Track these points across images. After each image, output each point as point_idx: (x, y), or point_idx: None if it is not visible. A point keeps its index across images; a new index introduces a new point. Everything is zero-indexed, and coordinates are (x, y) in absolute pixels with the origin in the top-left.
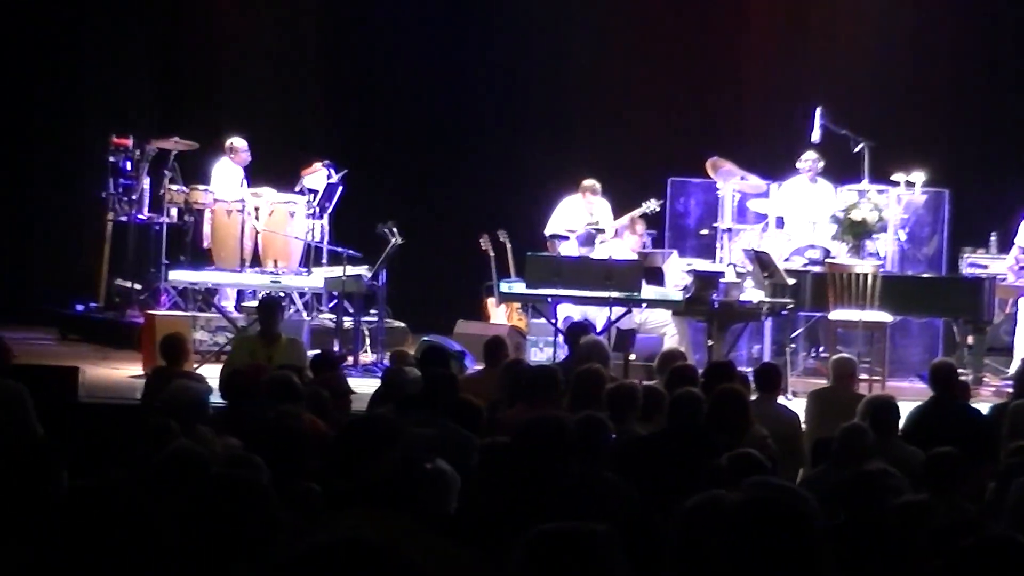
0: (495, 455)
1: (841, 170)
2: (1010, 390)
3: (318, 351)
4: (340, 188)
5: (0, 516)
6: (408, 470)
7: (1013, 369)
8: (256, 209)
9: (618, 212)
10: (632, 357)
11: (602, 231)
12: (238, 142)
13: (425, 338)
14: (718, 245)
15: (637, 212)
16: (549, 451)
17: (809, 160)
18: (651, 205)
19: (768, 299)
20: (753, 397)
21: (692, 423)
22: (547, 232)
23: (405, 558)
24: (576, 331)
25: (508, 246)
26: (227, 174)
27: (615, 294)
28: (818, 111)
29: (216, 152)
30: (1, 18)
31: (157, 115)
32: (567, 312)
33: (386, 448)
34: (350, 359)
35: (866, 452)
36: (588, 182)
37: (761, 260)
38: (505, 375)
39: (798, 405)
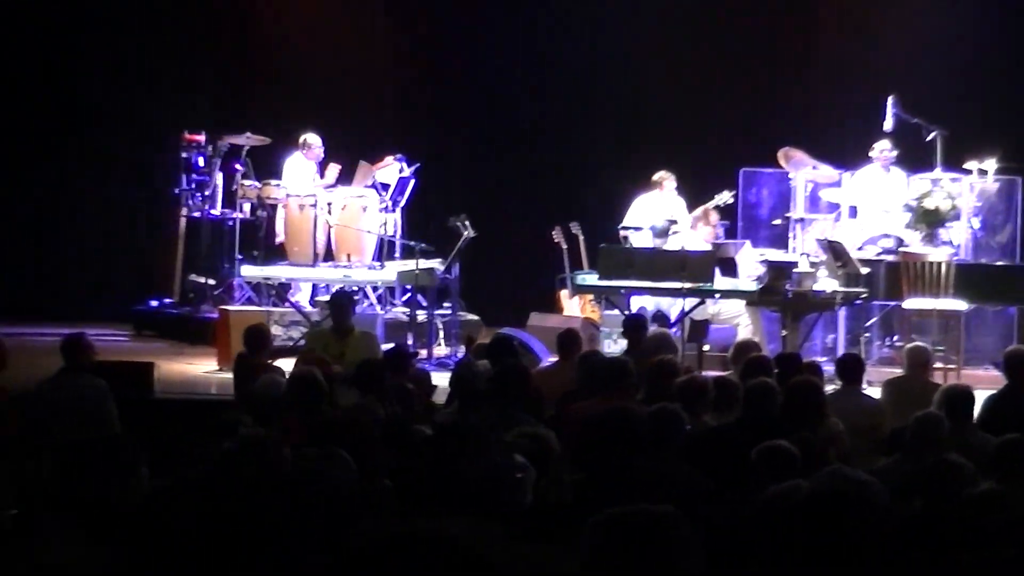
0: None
1: (914, 159)
2: None
3: (392, 345)
4: (412, 182)
5: (83, 513)
6: (497, 474)
7: None
8: (329, 204)
9: (691, 204)
10: (706, 348)
11: (675, 222)
12: (312, 138)
13: (499, 331)
14: (791, 235)
15: (711, 204)
16: (620, 443)
17: (882, 149)
18: (724, 197)
19: (842, 289)
20: (834, 387)
21: (766, 414)
22: (622, 226)
23: (479, 552)
24: (634, 324)
25: (581, 238)
26: (300, 169)
27: (688, 285)
28: (891, 99)
29: (289, 147)
30: (77, 17)
31: (229, 111)
32: (640, 304)
33: (478, 452)
34: (423, 352)
35: (941, 441)
36: (661, 174)
37: (834, 249)
38: (579, 367)
39: (872, 395)
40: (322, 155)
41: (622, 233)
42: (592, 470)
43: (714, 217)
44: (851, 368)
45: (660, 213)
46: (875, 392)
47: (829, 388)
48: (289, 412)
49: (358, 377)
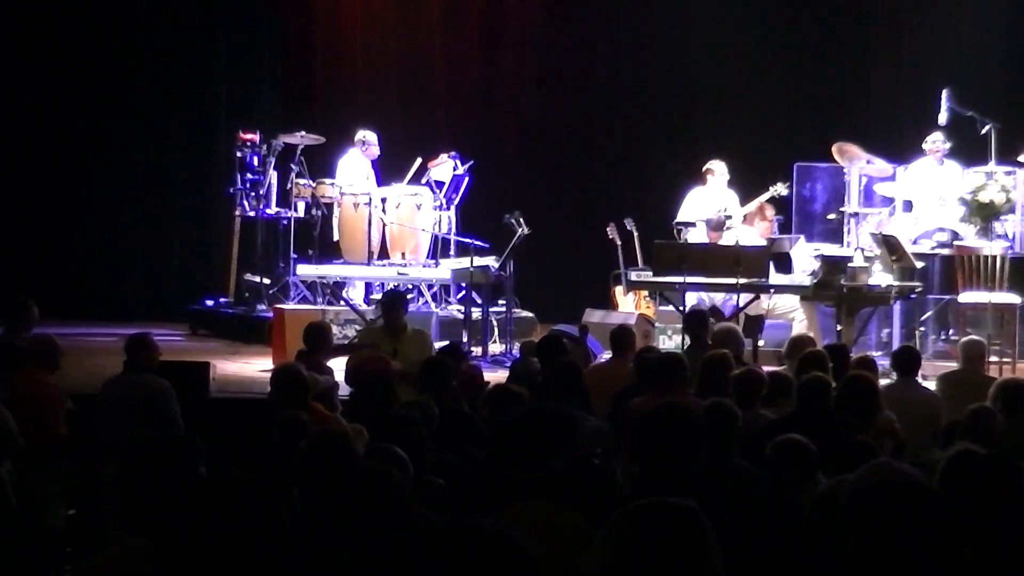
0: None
1: (968, 152)
2: None
3: (447, 342)
4: (466, 179)
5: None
6: (582, 464)
7: None
8: (383, 202)
9: (744, 199)
10: (761, 343)
11: (730, 216)
12: (369, 135)
13: (554, 327)
14: (845, 229)
15: (764, 196)
16: (676, 438)
17: (936, 142)
18: (779, 189)
19: (896, 283)
20: (890, 380)
21: (821, 407)
22: (676, 222)
23: (521, 547)
24: (694, 319)
25: (635, 234)
26: (355, 166)
27: (743, 280)
28: (945, 93)
29: (343, 146)
30: (134, 18)
31: (283, 110)
32: (695, 299)
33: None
34: (477, 350)
35: (994, 434)
36: (709, 164)
37: (889, 244)
38: (635, 363)
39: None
40: (377, 153)
41: (676, 228)
42: (648, 464)
43: (770, 212)
44: (907, 360)
45: (713, 206)
46: (930, 387)
47: (884, 381)
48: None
49: (421, 375)
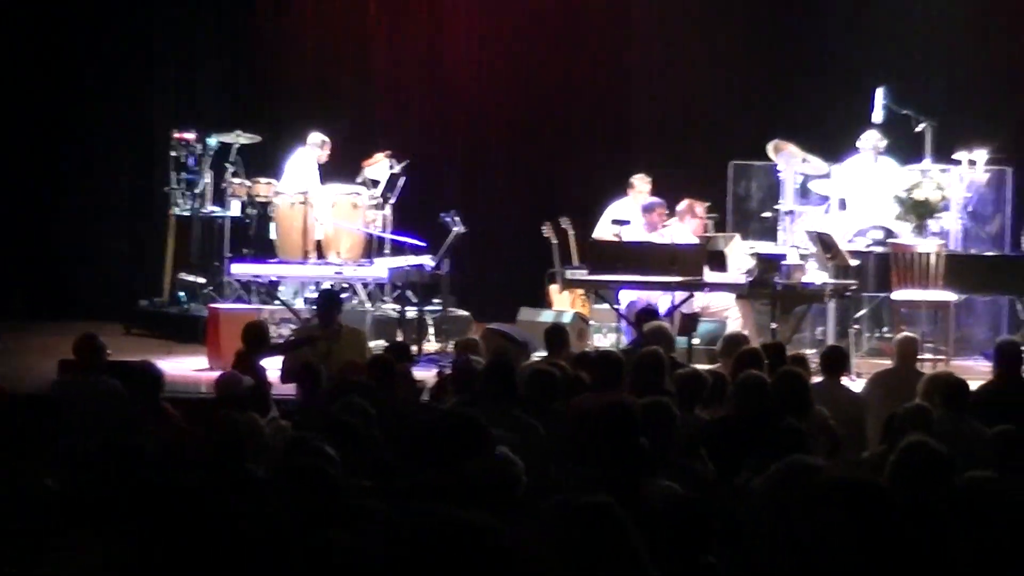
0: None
1: (904, 150)
2: None
3: (396, 341)
4: (402, 178)
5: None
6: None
7: None
8: (318, 202)
9: (676, 198)
10: (696, 341)
11: (668, 218)
12: (327, 139)
13: (489, 326)
14: (780, 227)
15: (685, 203)
16: (618, 435)
17: (871, 139)
18: (698, 208)
19: (831, 280)
20: (818, 379)
21: (758, 406)
22: (595, 236)
23: (504, 541)
24: (644, 317)
25: (571, 233)
26: (306, 166)
27: (678, 279)
28: (880, 91)
29: (289, 145)
30: (72, 14)
31: (219, 109)
32: (630, 298)
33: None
34: (412, 349)
35: (932, 431)
36: (633, 178)
37: (824, 241)
38: (573, 362)
39: (862, 386)
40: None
41: (612, 229)
42: (589, 463)
43: (700, 209)
44: (835, 360)
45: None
46: (862, 384)
47: (813, 380)
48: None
49: (370, 373)
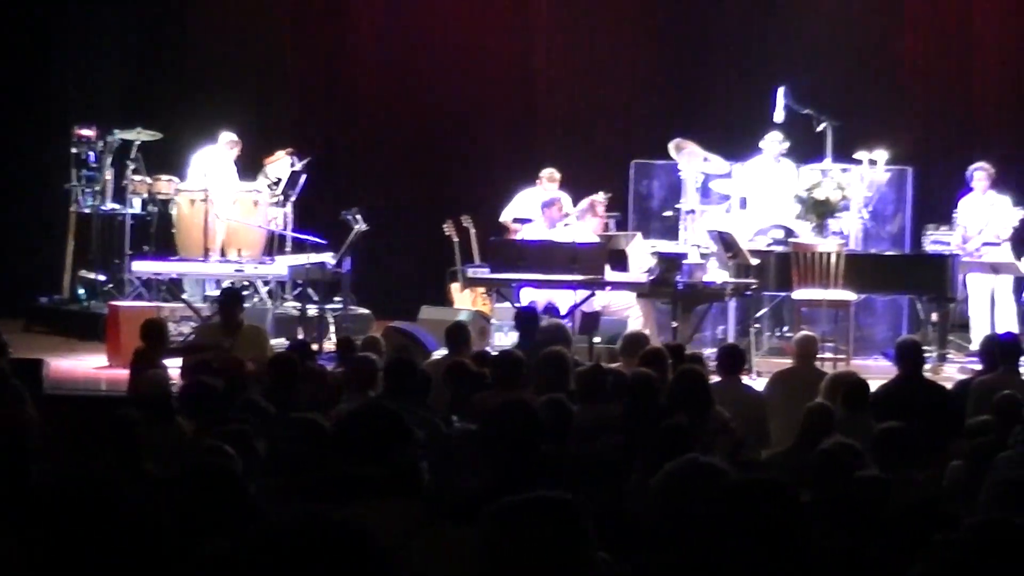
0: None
1: (805, 149)
2: (974, 366)
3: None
4: (304, 176)
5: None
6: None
7: (976, 345)
8: (219, 199)
9: (579, 198)
10: (597, 340)
11: (567, 214)
12: (237, 138)
13: (390, 324)
14: (682, 226)
15: (585, 202)
16: (520, 433)
17: (772, 140)
18: (598, 197)
19: (732, 280)
20: (717, 379)
21: (650, 403)
22: (503, 219)
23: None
24: (525, 317)
25: (472, 231)
26: (223, 165)
27: (579, 277)
28: (780, 91)
29: (192, 142)
30: None
31: (120, 106)
32: (531, 296)
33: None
34: (313, 346)
35: (832, 430)
36: (546, 171)
37: (725, 241)
38: (475, 360)
39: (763, 385)
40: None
41: (509, 223)
42: (492, 460)
43: (600, 208)
44: (732, 359)
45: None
46: (765, 383)
47: (712, 379)
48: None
49: (271, 371)
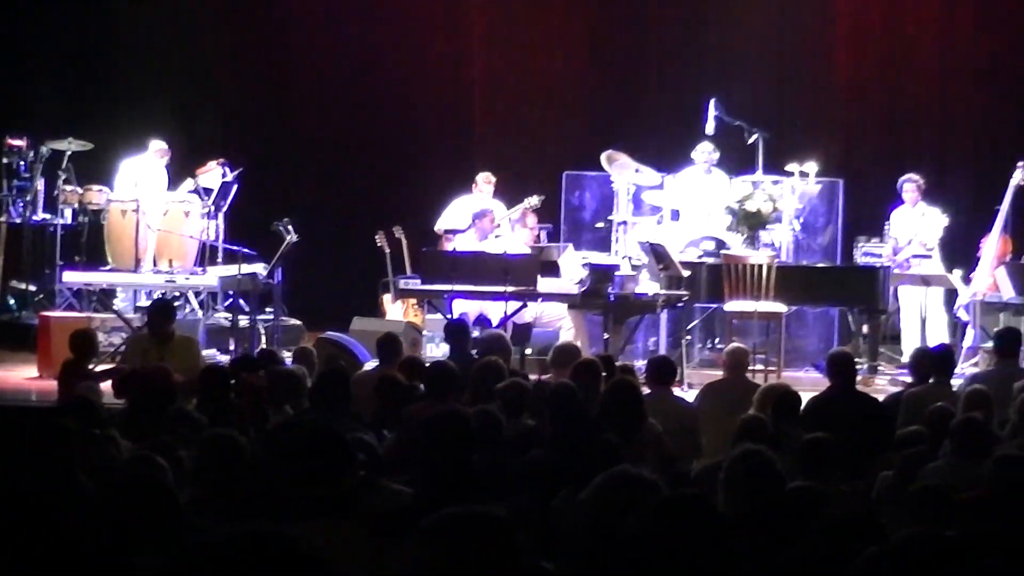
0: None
1: (736, 161)
2: (905, 378)
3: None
4: (235, 186)
5: None
6: (358, 479)
7: (907, 357)
8: (150, 209)
9: (510, 207)
10: (528, 351)
11: (498, 225)
12: (166, 146)
13: (321, 335)
14: (613, 238)
15: (523, 205)
16: (451, 444)
17: (703, 151)
18: (532, 201)
19: (664, 291)
20: (647, 391)
21: (571, 415)
22: (437, 228)
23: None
24: (456, 329)
25: (404, 242)
26: (154, 173)
27: (511, 288)
28: (712, 102)
29: (120, 151)
30: None
31: (51, 116)
32: (463, 308)
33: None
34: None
35: (765, 442)
36: (481, 175)
37: (656, 252)
38: (404, 371)
39: (694, 396)
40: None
41: (443, 231)
42: (424, 472)
43: (531, 220)
44: (662, 370)
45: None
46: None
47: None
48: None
49: (202, 383)
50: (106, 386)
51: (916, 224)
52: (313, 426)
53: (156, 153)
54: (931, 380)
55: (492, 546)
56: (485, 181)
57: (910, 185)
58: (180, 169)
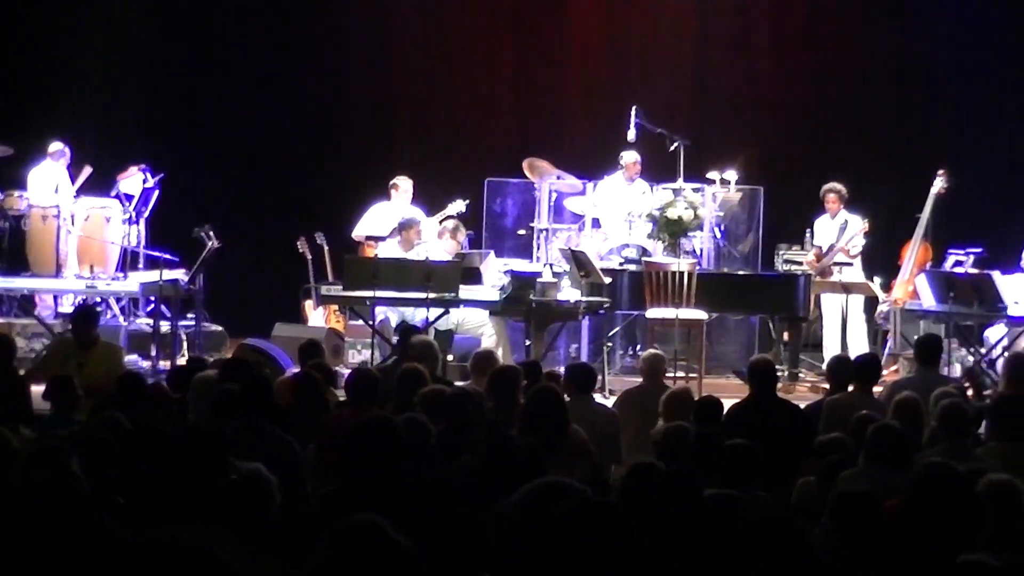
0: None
1: (658, 169)
2: (825, 385)
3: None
4: (157, 192)
5: None
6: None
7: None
8: (72, 215)
9: (431, 213)
10: (450, 358)
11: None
12: (65, 147)
13: (243, 341)
14: (535, 245)
15: (444, 214)
16: (378, 452)
17: (625, 159)
18: (458, 206)
19: (585, 298)
20: (567, 398)
21: (471, 420)
22: (355, 234)
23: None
24: (407, 332)
25: (326, 248)
26: (48, 177)
27: (433, 295)
28: (633, 110)
29: (36, 157)
30: None
31: None
32: (385, 314)
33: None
34: (166, 363)
35: (688, 450)
36: (397, 179)
37: (578, 259)
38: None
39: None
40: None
41: (365, 238)
42: (348, 480)
43: (461, 235)
44: (582, 377)
45: (395, 220)
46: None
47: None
48: None
49: (118, 389)
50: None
51: (837, 231)
52: (189, 428)
53: (51, 156)
54: (851, 388)
55: (384, 554)
56: (403, 187)
57: (832, 195)
58: (103, 176)
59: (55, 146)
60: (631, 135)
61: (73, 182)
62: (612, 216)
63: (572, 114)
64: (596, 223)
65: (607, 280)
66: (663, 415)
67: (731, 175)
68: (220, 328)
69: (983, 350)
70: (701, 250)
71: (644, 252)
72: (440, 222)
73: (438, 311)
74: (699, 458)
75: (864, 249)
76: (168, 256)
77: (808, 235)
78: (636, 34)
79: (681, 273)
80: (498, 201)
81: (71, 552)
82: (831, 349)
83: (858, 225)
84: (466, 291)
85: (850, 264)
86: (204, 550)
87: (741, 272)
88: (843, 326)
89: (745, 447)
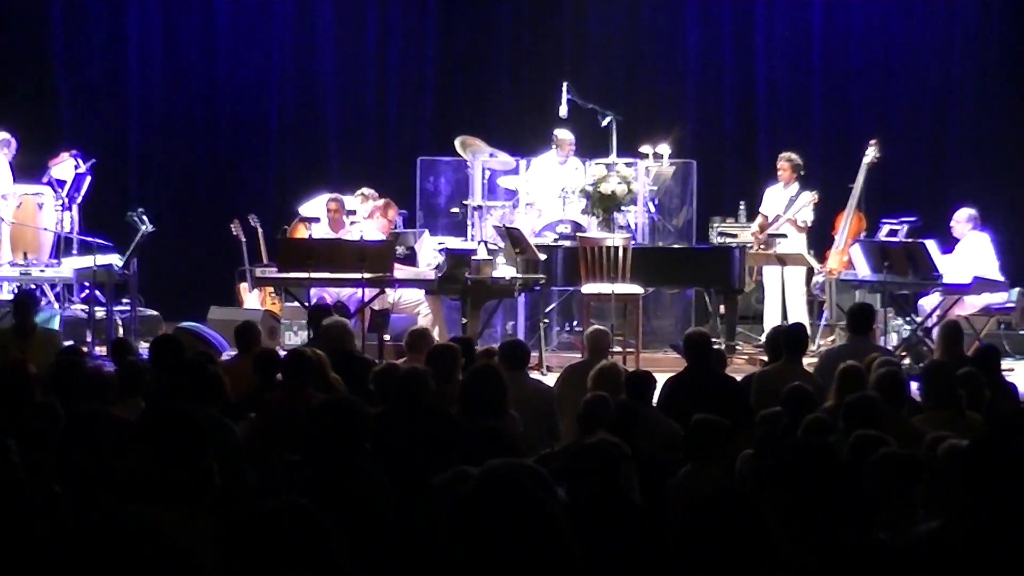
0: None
1: (591, 144)
2: (763, 357)
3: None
4: (88, 178)
5: None
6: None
7: (765, 336)
8: (3, 195)
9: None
10: (387, 337)
11: (352, 212)
12: (11, 137)
13: (179, 325)
14: (469, 223)
15: (381, 202)
16: (348, 434)
17: (557, 135)
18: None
19: (520, 275)
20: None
21: (417, 400)
22: (301, 208)
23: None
24: (320, 313)
25: (259, 231)
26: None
27: (368, 275)
28: (565, 86)
29: None
30: None
31: None
32: (321, 295)
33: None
34: (102, 349)
35: (607, 422)
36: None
37: (512, 236)
38: (258, 361)
39: (553, 380)
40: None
41: (300, 217)
42: (304, 459)
43: (392, 212)
44: (515, 353)
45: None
46: (555, 378)
47: None
48: None
49: (55, 372)
50: None
51: (787, 203)
52: (168, 411)
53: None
54: (783, 359)
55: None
56: (372, 197)
57: (784, 163)
58: (33, 162)
59: (1, 136)
60: (563, 111)
61: (13, 172)
62: (546, 192)
63: (503, 91)
64: (530, 199)
65: (542, 256)
66: (591, 391)
67: (664, 149)
68: (155, 312)
69: (919, 319)
70: (635, 225)
71: (578, 227)
72: (371, 200)
73: (373, 291)
74: (619, 428)
75: (812, 223)
76: (102, 241)
77: (743, 207)
78: (567, 9)
79: (616, 248)
80: (431, 179)
81: (8, 539)
82: (771, 321)
83: (807, 197)
84: (401, 271)
85: (801, 234)
86: (148, 525)
87: (676, 246)
88: (783, 298)
89: (711, 422)
